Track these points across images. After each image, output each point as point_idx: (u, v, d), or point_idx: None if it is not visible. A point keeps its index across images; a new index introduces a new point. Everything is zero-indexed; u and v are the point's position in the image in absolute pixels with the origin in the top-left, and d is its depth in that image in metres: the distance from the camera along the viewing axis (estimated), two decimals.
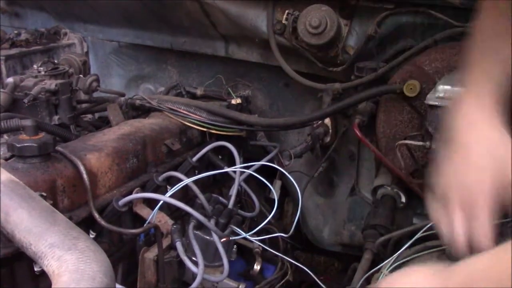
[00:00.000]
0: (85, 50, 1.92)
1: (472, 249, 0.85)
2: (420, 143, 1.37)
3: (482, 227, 0.85)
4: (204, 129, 1.55)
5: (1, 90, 1.43)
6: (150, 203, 1.28)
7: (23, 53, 1.71)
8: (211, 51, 1.94)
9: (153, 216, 1.23)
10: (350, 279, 1.38)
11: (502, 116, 0.89)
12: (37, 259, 0.75)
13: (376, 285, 0.92)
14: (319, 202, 1.98)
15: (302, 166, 1.90)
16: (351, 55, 1.61)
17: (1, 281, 0.96)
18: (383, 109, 1.60)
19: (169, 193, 1.23)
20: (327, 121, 1.77)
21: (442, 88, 1.26)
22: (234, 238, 1.26)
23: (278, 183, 1.71)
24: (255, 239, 1.32)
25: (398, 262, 1.19)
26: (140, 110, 1.59)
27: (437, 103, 1.27)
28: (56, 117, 1.47)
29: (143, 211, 1.26)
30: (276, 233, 1.55)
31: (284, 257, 1.45)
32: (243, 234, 1.26)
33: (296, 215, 1.45)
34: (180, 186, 1.25)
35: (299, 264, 1.44)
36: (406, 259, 1.19)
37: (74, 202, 1.12)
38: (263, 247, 1.47)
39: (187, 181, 1.27)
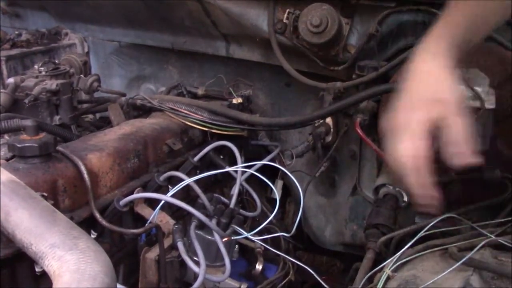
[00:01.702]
0: (86, 50, 1.92)
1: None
2: None
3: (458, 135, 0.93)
4: (206, 129, 1.55)
5: (2, 90, 1.43)
6: (152, 203, 1.28)
7: (24, 54, 1.71)
8: (212, 50, 1.94)
9: (154, 216, 1.22)
10: (352, 279, 1.37)
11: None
12: (37, 259, 0.75)
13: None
14: (320, 201, 1.97)
15: (304, 166, 1.90)
16: (352, 54, 1.61)
17: (2, 281, 0.96)
18: (384, 108, 1.59)
19: (170, 192, 1.23)
20: (329, 120, 1.76)
21: None
22: (236, 238, 1.26)
23: (279, 182, 1.70)
24: (257, 239, 1.32)
25: (401, 262, 1.18)
26: (141, 110, 1.59)
27: None
28: (57, 117, 1.47)
29: (144, 211, 1.26)
30: (277, 233, 1.55)
31: (286, 256, 1.45)
32: (245, 234, 1.26)
33: (298, 215, 1.45)
34: (182, 186, 1.25)
35: (301, 264, 1.43)
36: (408, 258, 1.19)
37: (75, 202, 1.12)
38: (264, 247, 1.47)
39: (188, 180, 1.26)
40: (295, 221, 1.48)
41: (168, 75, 2.16)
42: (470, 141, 0.94)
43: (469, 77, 1.25)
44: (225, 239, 1.23)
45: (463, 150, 0.93)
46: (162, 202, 1.21)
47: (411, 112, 0.96)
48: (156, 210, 1.23)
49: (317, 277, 1.32)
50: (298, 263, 1.46)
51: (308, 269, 1.37)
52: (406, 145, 0.93)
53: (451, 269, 1.08)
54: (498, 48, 1.43)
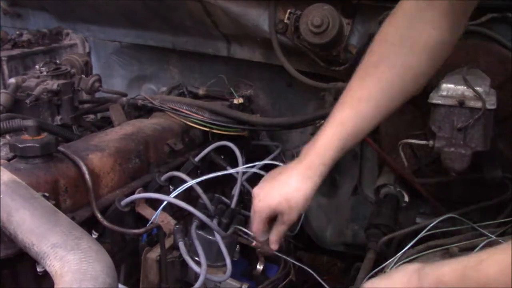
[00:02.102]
0: (87, 50, 1.92)
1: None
2: (423, 142, 1.36)
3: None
4: (207, 129, 1.55)
5: (3, 90, 1.43)
6: (153, 203, 1.28)
7: (25, 54, 1.71)
8: (213, 51, 1.94)
9: (156, 216, 1.22)
10: (353, 279, 1.37)
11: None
12: (39, 260, 0.75)
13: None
14: (321, 201, 1.97)
15: None
16: (353, 54, 1.61)
17: (4, 282, 0.96)
18: None
19: (173, 194, 1.23)
20: None
21: (445, 87, 1.26)
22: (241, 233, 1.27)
23: None
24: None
25: (402, 262, 1.18)
26: (142, 110, 1.59)
27: (440, 101, 1.27)
28: (58, 118, 1.47)
29: (145, 211, 1.26)
30: None
31: (287, 258, 1.45)
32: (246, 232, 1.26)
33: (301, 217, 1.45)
34: (185, 187, 1.25)
35: (301, 265, 1.43)
36: (409, 259, 1.19)
37: (76, 202, 1.12)
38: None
39: (191, 182, 1.26)
40: (300, 222, 1.47)
41: (169, 75, 2.16)
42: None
43: (470, 78, 1.25)
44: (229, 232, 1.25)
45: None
46: (165, 203, 1.21)
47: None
48: (158, 211, 1.23)
49: (317, 278, 1.32)
50: (299, 264, 1.46)
51: (309, 269, 1.37)
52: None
53: None
54: (498, 48, 1.43)
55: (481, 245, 1.13)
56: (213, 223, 1.22)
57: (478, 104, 1.22)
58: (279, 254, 1.33)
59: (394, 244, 1.39)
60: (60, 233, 0.76)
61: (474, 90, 1.21)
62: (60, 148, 1.14)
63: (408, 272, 0.91)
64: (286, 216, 1.16)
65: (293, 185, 1.14)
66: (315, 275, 1.34)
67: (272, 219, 1.20)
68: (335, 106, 1.18)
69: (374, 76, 1.13)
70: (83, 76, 1.63)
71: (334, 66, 1.66)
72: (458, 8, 1.07)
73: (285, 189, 1.15)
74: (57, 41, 1.87)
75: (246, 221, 1.36)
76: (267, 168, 1.43)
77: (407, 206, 1.60)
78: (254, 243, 1.27)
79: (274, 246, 1.21)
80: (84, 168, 1.12)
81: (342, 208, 1.92)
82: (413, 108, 1.54)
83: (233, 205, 1.32)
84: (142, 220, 1.25)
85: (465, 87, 1.23)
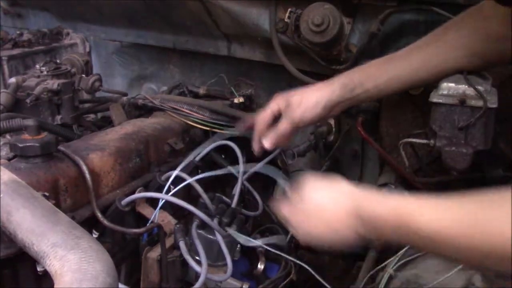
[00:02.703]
0: (87, 50, 1.92)
1: None
2: (424, 141, 1.36)
3: None
4: (207, 128, 1.55)
5: (4, 90, 1.43)
6: (153, 203, 1.27)
7: (26, 54, 1.71)
8: (214, 50, 1.94)
9: (155, 215, 1.22)
10: (354, 278, 1.37)
11: None
12: (39, 259, 0.75)
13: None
14: None
15: (306, 165, 1.90)
16: (354, 53, 1.61)
17: (3, 281, 0.96)
18: (386, 107, 1.59)
19: (172, 191, 1.23)
20: (331, 119, 1.76)
21: (446, 86, 1.25)
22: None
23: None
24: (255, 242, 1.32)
25: (403, 261, 1.18)
26: (142, 110, 1.59)
27: (441, 100, 1.27)
28: (58, 117, 1.47)
29: (146, 210, 1.26)
30: (279, 232, 1.55)
31: (288, 257, 1.44)
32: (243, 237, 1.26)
33: None
34: (183, 185, 1.25)
35: (303, 264, 1.43)
36: (410, 258, 1.19)
37: (76, 201, 1.12)
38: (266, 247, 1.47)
39: (190, 180, 1.26)
40: None
41: (170, 74, 2.16)
42: None
43: (470, 76, 1.25)
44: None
45: None
46: (163, 201, 1.21)
47: None
48: (157, 209, 1.22)
49: (318, 277, 1.32)
50: (300, 263, 1.46)
51: (309, 269, 1.37)
52: None
53: (453, 268, 1.08)
54: None
55: None
56: (214, 223, 1.21)
57: (479, 103, 1.21)
58: (281, 253, 1.33)
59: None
60: (60, 233, 0.76)
61: (475, 89, 1.21)
62: (60, 147, 1.14)
63: (352, 197, 0.92)
64: (292, 110, 1.19)
65: (312, 87, 1.25)
66: (315, 275, 1.34)
67: None
68: None
69: (430, 40, 1.23)
70: (83, 75, 1.62)
71: (334, 65, 1.65)
72: None
73: (304, 89, 1.24)
74: (58, 41, 1.87)
75: (246, 221, 1.36)
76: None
77: None
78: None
79: (267, 142, 1.23)
80: (84, 168, 1.12)
81: None
82: (414, 107, 1.54)
83: (233, 204, 1.32)
84: (142, 220, 1.25)
85: (466, 86, 1.22)
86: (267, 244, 1.32)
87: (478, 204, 0.77)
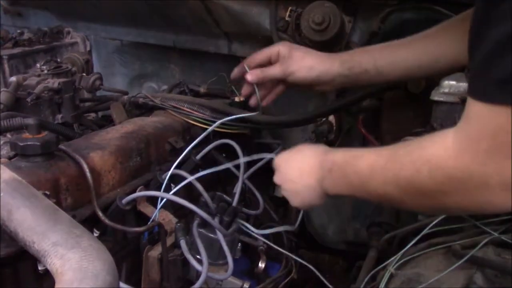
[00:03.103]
0: (88, 49, 1.92)
1: None
2: None
3: None
4: (208, 127, 1.54)
5: (4, 89, 1.43)
6: (154, 202, 1.27)
7: (26, 53, 1.71)
8: (214, 49, 1.94)
9: (156, 214, 1.22)
10: (355, 277, 1.37)
11: None
12: (40, 258, 0.75)
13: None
14: None
15: None
16: None
17: (4, 280, 0.96)
18: (387, 106, 1.59)
19: (173, 190, 1.23)
20: (331, 118, 1.76)
21: (447, 84, 1.25)
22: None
23: None
24: (261, 232, 1.32)
25: (404, 260, 1.18)
26: (143, 109, 1.59)
27: (442, 99, 1.26)
28: (59, 116, 1.47)
29: (147, 209, 1.26)
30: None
31: (289, 254, 1.45)
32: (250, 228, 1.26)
33: (300, 213, 1.45)
34: (184, 184, 1.25)
35: (304, 262, 1.43)
36: (411, 256, 1.19)
37: (77, 200, 1.12)
38: (267, 244, 1.47)
39: (191, 178, 1.26)
40: (298, 218, 1.47)
41: (170, 73, 2.16)
42: None
43: None
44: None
45: None
46: (164, 200, 1.21)
47: None
48: (158, 208, 1.22)
49: (319, 276, 1.32)
50: (301, 261, 1.46)
51: (311, 267, 1.37)
52: None
53: (454, 267, 1.08)
54: None
55: (483, 243, 1.13)
56: (215, 221, 1.21)
57: None
58: (282, 250, 1.33)
59: (396, 242, 1.39)
60: (60, 232, 0.76)
61: None
62: (61, 146, 1.14)
63: (317, 153, 1.07)
64: (288, 62, 1.22)
65: (316, 53, 1.28)
66: (317, 273, 1.34)
67: None
68: None
69: (438, 32, 1.25)
70: (84, 74, 1.62)
71: None
72: None
73: (309, 51, 1.28)
74: (58, 40, 1.87)
75: (247, 220, 1.36)
76: (269, 166, 1.43)
77: None
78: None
79: (250, 75, 1.26)
80: (85, 167, 1.12)
81: (343, 206, 1.91)
82: (415, 106, 1.54)
83: (234, 203, 1.32)
84: (143, 219, 1.25)
85: (467, 84, 1.22)
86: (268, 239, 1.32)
87: (401, 146, 0.93)
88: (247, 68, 1.26)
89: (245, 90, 1.36)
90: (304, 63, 1.23)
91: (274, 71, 1.23)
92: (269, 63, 1.25)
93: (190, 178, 1.26)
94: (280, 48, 1.25)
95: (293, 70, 1.22)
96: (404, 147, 0.90)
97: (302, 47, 1.28)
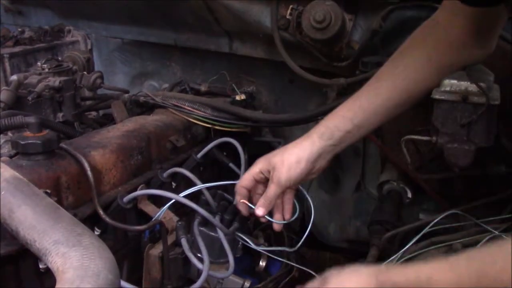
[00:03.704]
0: (88, 47, 1.92)
1: None
2: (426, 138, 1.36)
3: None
4: (209, 126, 1.55)
5: (5, 87, 1.43)
6: (155, 200, 1.27)
7: (27, 51, 1.71)
8: (215, 47, 1.93)
9: (161, 213, 1.22)
10: None
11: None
12: (41, 256, 0.75)
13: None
14: (324, 198, 1.97)
15: None
16: (355, 50, 1.60)
17: (6, 278, 0.96)
18: None
19: (183, 193, 1.22)
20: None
21: (448, 82, 1.25)
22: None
23: None
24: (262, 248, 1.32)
25: (405, 258, 1.18)
26: (144, 107, 1.59)
27: (443, 97, 1.26)
28: (60, 114, 1.47)
29: (148, 207, 1.26)
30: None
31: (289, 250, 1.44)
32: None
33: (309, 213, 1.44)
34: (195, 189, 1.25)
35: (301, 267, 1.44)
36: (412, 255, 1.19)
37: (78, 199, 1.12)
38: (268, 246, 1.47)
39: (201, 186, 1.26)
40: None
41: (171, 72, 2.16)
42: None
43: (473, 73, 1.24)
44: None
45: None
46: (173, 201, 1.21)
47: None
48: (163, 208, 1.22)
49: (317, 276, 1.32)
50: (298, 266, 1.46)
51: (309, 270, 1.37)
52: None
53: None
54: (501, 43, 1.42)
55: (484, 241, 1.13)
56: (216, 220, 1.21)
57: (482, 100, 1.21)
58: (274, 221, 1.31)
59: (397, 241, 1.39)
60: (62, 230, 0.76)
61: (478, 85, 1.20)
62: (62, 145, 1.14)
63: (364, 275, 0.93)
64: (276, 172, 1.14)
65: (291, 144, 1.20)
66: (315, 275, 1.33)
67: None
68: None
69: (395, 62, 1.20)
70: (85, 73, 1.62)
71: (336, 62, 1.65)
72: (487, 17, 1.13)
73: (285, 147, 1.20)
74: (59, 38, 1.87)
75: (248, 218, 1.36)
76: None
77: (410, 202, 1.60)
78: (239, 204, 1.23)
79: (260, 211, 1.16)
80: (86, 165, 1.12)
81: (345, 204, 1.91)
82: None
83: (235, 201, 1.31)
84: (144, 217, 1.25)
85: (468, 83, 1.22)
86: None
87: (484, 259, 0.85)
88: (251, 205, 1.20)
89: (263, 219, 1.25)
90: (288, 163, 1.15)
91: (273, 192, 1.16)
92: (257, 183, 1.20)
93: (200, 186, 1.25)
94: (258, 167, 1.18)
95: (286, 177, 1.15)
96: (488, 264, 0.84)
97: (275, 150, 1.20)
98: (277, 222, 1.19)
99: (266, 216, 1.17)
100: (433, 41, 1.18)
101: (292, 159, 1.14)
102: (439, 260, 0.89)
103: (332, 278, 0.96)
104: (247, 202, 1.17)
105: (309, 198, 1.37)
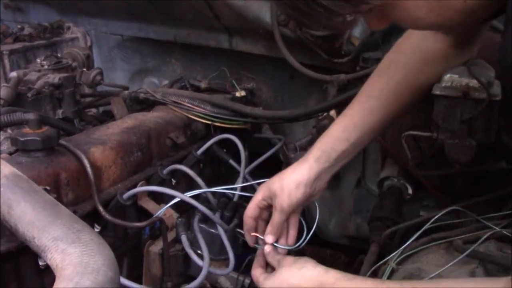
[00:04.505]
0: (88, 44, 1.92)
1: None
2: (427, 133, 1.35)
3: None
4: (209, 122, 1.55)
5: (5, 84, 1.43)
6: (155, 197, 1.27)
7: (27, 48, 1.71)
8: (215, 43, 1.93)
9: (163, 211, 1.22)
10: (356, 272, 1.36)
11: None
12: (40, 253, 0.75)
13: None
14: (324, 194, 1.96)
15: None
16: (356, 46, 1.60)
17: (5, 275, 0.96)
18: None
19: (189, 193, 1.22)
20: (332, 113, 1.75)
21: (449, 78, 1.24)
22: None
23: None
24: None
25: (405, 254, 1.18)
26: (144, 104, 1.59)
27: (444, 93, 1.25)
28: (60, 111, 1.47)
29: (148, 204, 1.26)
30: None
31: (290, 247, 1.44)
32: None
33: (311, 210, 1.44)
34: (199, 192, 1.25)
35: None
36: (412, 251, 1.18)
37: (78, 196, 1.12)
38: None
39: (204, 190, 1.25)
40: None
41: (171, 68, 2.16)
42: None
43: (474, 68, 1.24)
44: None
45: None
46: (176, 199, 1.20)
47: None
48: (166, 206, 1.22)
49: None
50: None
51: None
52: None
53: (455, 261, 1.08)
54: (496, 36, 1.41)
55: (484, 237, 1.13)
56: (216, 217, 1.21)
57: (483, 96, 1.20)
58: (280, 246, 1.32)
59: (398, 237, 1.39)
60: (61, 226, 0.76)
61: (479, 81, 1.20)
62: (62, 141, 1.14)
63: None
64: (278, 198, 1.14)
65: (289, 169, 1.17)
66: None
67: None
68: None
69: (385, 77, 1.19)
70: (84, 69, 1.62)
71: (336, 58, 1.65)
72: (471, 30, 1.14)
73: (283, 173, 1.18)
74: (59, 35, 1.87)
75: None
76: (270, 161, 1.43)
77: (410, 199, 1.59)
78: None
79: (269, 239, 1.16)
80: (85, 162, 1.12)
81: (345, 201, 1.91)
82: None
83: (235, 198, 1.31)
84: (144, 214, 1.25)
85: (469, 78, 1.21)
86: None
87: None
88: (261, 237, 1.18)
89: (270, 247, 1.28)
90: (288, 190, 1.14)
91: (278, 218, 1.15)
92: (261, 210, 1.21)
93: (206, 190, 1.25)
94: (261, 195, 1.17)
95: (287, 203, 1.14)
96: None
97: (274, 177, 1.19)
98: (284, 248, 1.19)
99: (275, 244, 1.17)
100: (420, 53, 1.19)
101: (291, 185, 1.15)
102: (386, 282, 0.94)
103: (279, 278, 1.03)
104: (257, 235, 1.18)
105: None
